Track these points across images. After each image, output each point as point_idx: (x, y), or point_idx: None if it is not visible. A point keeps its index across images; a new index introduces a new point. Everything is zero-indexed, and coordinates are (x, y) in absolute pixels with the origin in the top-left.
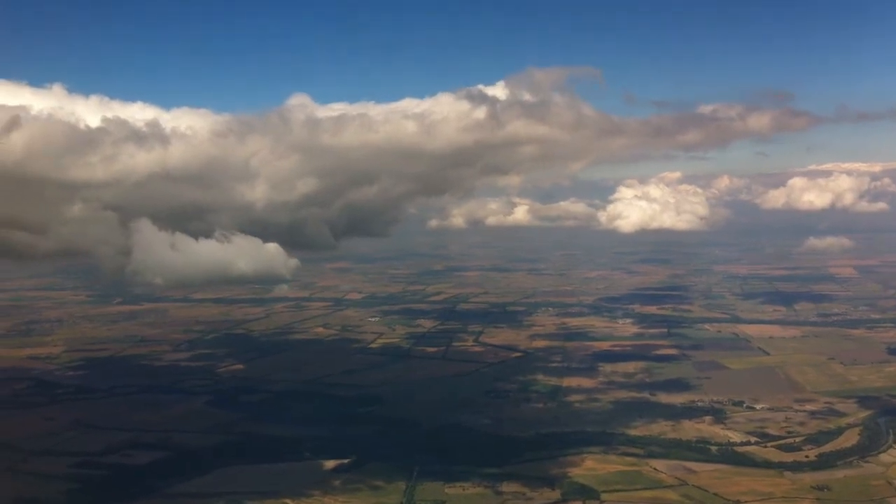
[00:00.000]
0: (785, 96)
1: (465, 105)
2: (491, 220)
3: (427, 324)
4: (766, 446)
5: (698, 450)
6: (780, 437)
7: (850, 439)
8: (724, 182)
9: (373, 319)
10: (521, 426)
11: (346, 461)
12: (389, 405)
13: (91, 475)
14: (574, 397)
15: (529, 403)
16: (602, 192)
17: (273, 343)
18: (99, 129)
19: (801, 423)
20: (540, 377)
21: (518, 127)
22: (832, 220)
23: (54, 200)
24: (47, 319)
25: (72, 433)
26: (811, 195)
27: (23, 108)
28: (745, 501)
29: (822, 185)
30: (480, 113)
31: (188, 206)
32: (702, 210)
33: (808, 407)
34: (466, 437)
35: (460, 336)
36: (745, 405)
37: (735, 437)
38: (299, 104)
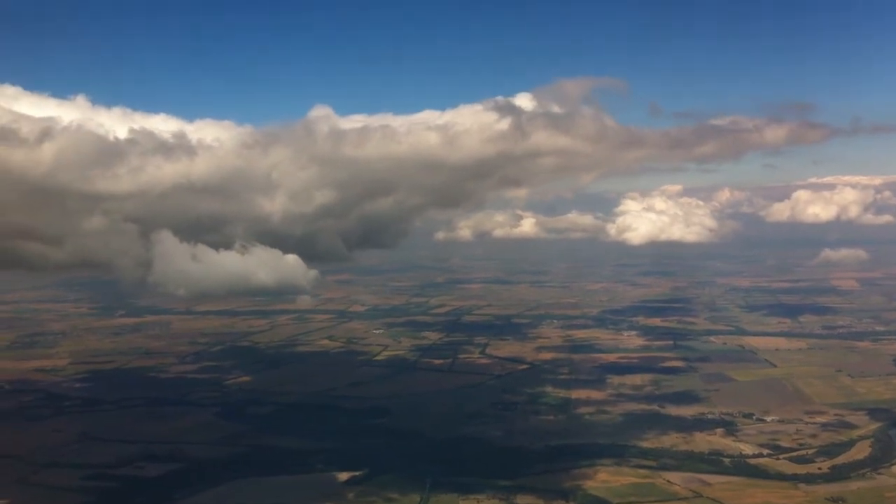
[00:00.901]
0: (805, 108)
1: (489, 116)
2: (498, 233)
3: (432, 336)
4: (778, 458)
5: (711, 462)
6: (792, 450)
7: (861, 451)
8: (724, 195)
9: (377, 331)
10: (532, 438)
11: (358, 473)
12: (398, 417)
13: (103, 487)
14: (583, 409)
15: (539, 415)
16: (603, 205)
17: (279, 355)
18: (127, 141)
19: (813, 436)
20: (548, 389)
21: (541, 138)
22: (841, 232)
23: (75, 212)
24: (51, 331)
25: (80, 445)
26: (816, 208)
27: (51, 119)
28: None
29: (827, 198)
30: (506, 124)
31: (205, 217)
32: (710, 222)
33: (819, 419)
34: (477, 449)
35: (466, 348)
36: (754, 417)
37: (747, 449)
38: (322, 116)
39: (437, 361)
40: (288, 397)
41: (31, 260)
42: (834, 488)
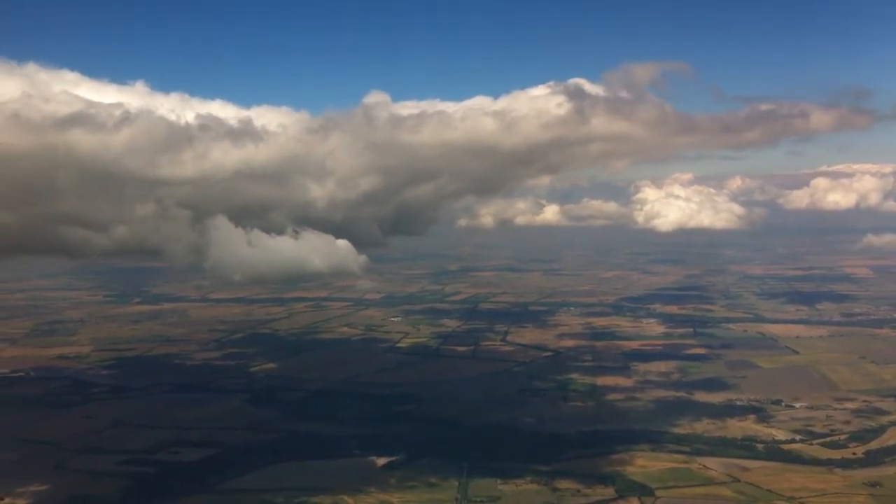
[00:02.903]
0: (860, 93)
1: (549, 101)
2: (520, 220)
3: (451, 323)
4: (811, 444)
5: (745, 447)
6: (824, 435)
7: (893, 437)
8: (736, 183)
9: (395, 319)
10: (564, 424)
11: (395, 458)
12: (428, 403)
13: (141, 472)
14: (613, 396)
15: (568, 402)
16: (615, 193)
17: (301, 342)
18: (197, 126)
19: (845, 422)
20: (575, 376)
21: (600, 124)
22: (867, 219)
23: (129, 198)
24: (69, 319)
25: (114, 431)
26: (836, 195)
27: (120, 105)
28: (800, 497)
29: (847, 186)
30: (567, 108)
31: (251, 203)
32: (738, 209)
33: (848, 405)
34: (511, 434)
35: (487, 335)
36: (783, 404)
37: (780, 434)
38: (379, 102)
39: (459, 349)
40: (315, 384)
41: (73, 246)
42: (869, 473)
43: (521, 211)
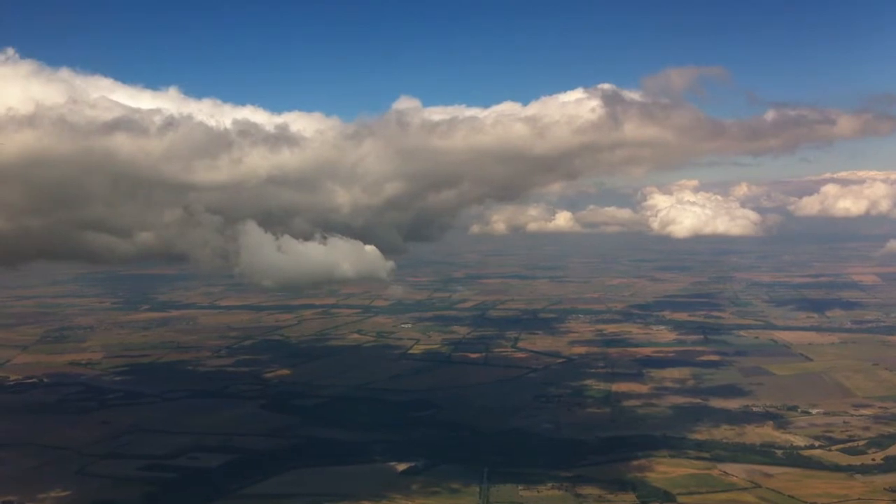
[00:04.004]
0: (889, 99)
1: (582, 106)
2: (532, 227)
3: (461, 330)
4: (830, 450)
5: (764, 454)
6: (843, 441)
7: None
8: (742, 190)
9: (406, 326)
10: (582, 430)
11: (415, 464)
12: (444, 409)
13: (163, 478)
14: (629, 402)
15: (585, 408)
16: (620, 200)
17: (313, 349)
18: (237, 132)
19: (864, 428)
20: (589, 382)
21: (632, 129)
22: (882, 226)
23: (158, 203)
24: (78, 326)
25: (132, 437)
26: (847, 202)
27: (159, 110)
28: None
29: (857, 192)
30: (603, 113)
31: (276, 208)
32: (753, 215)
33: (865, 411)
34: (529, 440)
35: (498, 342)
36: (800, 410)
37: (798, 441)
38: (410, 107)
39: (471, 355)
40: (330, 390)
41: (95, 252)
42: (891, 479)
43: (534, 217)
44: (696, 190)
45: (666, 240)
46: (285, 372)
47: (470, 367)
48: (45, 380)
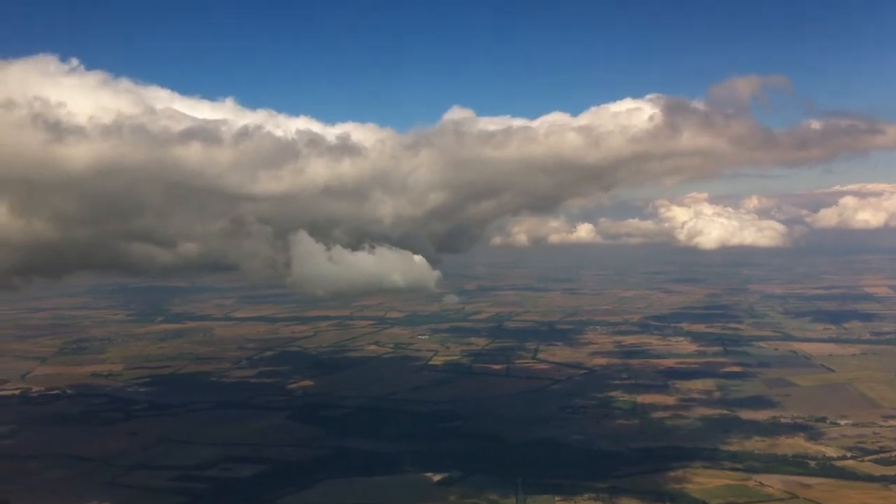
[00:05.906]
0: None
1: (639, 115)
2: (553, 238)
3: (480, 342)
4: (862, 461)
5: (798, 464)
6: (875, 452)
7: None
8: (752, 202)
9: (423, 337)
10: (613, 441)
11: (448, 475)
12: (471, 420)
13: (195, 488)
14: (658, 414)
15: (613, 419)
16: (633, 212)
17: (333, 360)
18: (304, 142)
19: (895, 438)
20: (615, 394)
21: (686, 139)
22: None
23: (211, 214)
24: (95, 338)
25: (161, 447)
26: (866, 214)
27: (225, 121)
28: None
29: (876, 204)
30: (660, 123)
31: (321, 218)
32: (779, 227)
33: (894, 422)
34: (560, 451)
35: (519, 353)
36: (828, 421)
37: (830, 451)
38: (464, 118)
39: (493, 366)
40: (355, 400)
41: (135, 262)
42: None
43: (555, 229)
44: (705, 202)
45: (693, 251)
46: (308, 383)
47: (492, 379)
48: (69, 391)
